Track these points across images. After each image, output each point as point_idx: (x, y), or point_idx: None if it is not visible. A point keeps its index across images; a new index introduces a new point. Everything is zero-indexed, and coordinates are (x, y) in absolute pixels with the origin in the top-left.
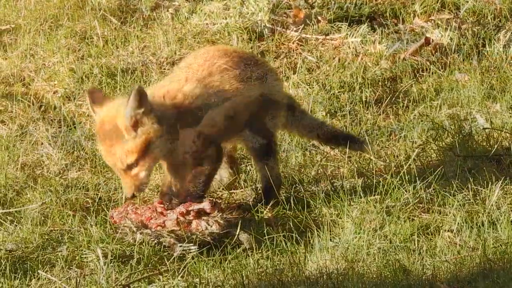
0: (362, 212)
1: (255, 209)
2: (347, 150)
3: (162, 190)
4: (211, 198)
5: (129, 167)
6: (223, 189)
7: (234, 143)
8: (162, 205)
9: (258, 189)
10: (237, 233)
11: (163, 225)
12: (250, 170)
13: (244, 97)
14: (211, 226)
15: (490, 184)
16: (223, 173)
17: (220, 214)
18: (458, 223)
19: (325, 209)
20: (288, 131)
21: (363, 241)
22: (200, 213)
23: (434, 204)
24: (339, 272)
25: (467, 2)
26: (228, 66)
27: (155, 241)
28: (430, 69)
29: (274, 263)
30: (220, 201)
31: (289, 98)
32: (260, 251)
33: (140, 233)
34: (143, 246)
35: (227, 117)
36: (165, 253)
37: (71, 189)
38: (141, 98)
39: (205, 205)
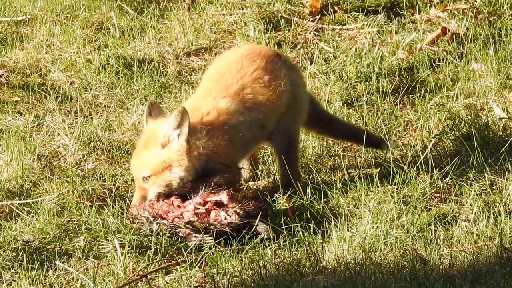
0: (379, 202)
1: (272, 199)
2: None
3: None
4: (229, 190)
5: (143, 178)
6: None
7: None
8: (179, 199)
9: (276, 179)
10: (255, 224)
11: (180, 216)
12: (268, 160)
13: (275, 106)
14: (230, 217)
15: (507, 174)
16: (244, 173)
17: (239, 205)
18: (475, 212)
19: (342, 199)
20: (307, 129)
21: (380, 231)
22: (217, 205)
23: (451, 194)
24: (357, 262)
25: None
26: (259, 74)
27: (172, 231)
28: (446, 59)
29: (291, 253)
30: (238, 193)
31: (310, 95)
32: (277, 241)
33: (157, 223)
34: (160, 236)
35: (259, 126)
36: (182, 244)
37: (88, 180)
38: (182, 120)
39: (223, 196)
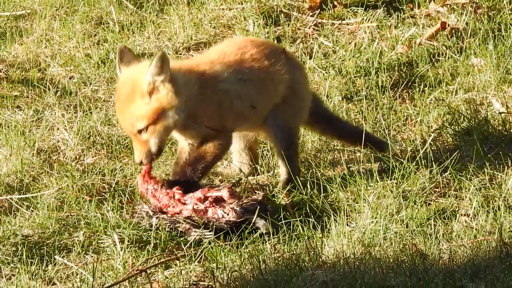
0: (378, 197)
1: (272, 194)
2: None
3: (176, 170)
4: (229, 187)
5: (139, 131)
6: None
7: (256, 135)
8: (180, 192)
9: (276, 174)
10: (253, 219)
11: (179, 213)
12: (267, 154)
13: (269, 91)
14: (228, 214)
15: (506, 169)
16: (244, 168)
17: (237, 201)
18: (474, 207)
19: (342, 194)
20: (310, 128)
21: (380, 226)
22: (217, 200)
23: (450, 189)
24: (356, 256)
25: None
26: (259, 57)
27: (171, 226)
28: (446, 53)
29: (291, 248)
30: (237, 187)
31: (313, 95)
32: (277, 236)
33: (156, 218)
34: (159, 231)
35: (249, 104)
36: (181, 238)
37: (87, 175)
38: (163, 64)
39: (224, 193)
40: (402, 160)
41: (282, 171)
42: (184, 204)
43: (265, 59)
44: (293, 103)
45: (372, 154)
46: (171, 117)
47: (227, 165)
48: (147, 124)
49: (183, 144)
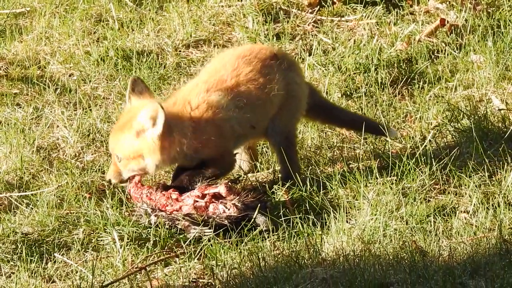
0: (378, 194)
1: (272, 191)
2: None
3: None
4: (227, 183)
5: (117, 157)
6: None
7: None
8: (177, 192)
9: (276, 172)
10: (254, 216)
11: (179, 210)
12: (267, 152)
13: (266, 108)
14: (229, 210)
15: (506, 165)
16: (244, 165)
17: (238, 197)
18: (474, 204)
19: (341, 191)
20: (310, 120)
21: (379, 223)
22: (216, 197)
23: (450, 185)
24: (356, 253)
25: None
26: (253, 75)
27: (170, 223)
28: (445, 50)
29: (290, 245)
30: (236, 184)
31: (309, 87)
32: (276, 233)
33: (155, 215)
34: (159, 228)
35: (249, 126)
36: (181, 236)
37: (87, 172)
38: (158, 118)
39: (221, 188)
40: (402, 156)
41: (282, 169)
42: (183, 201)
43: (260, 77)
44: (290, 106)
45: (372, 151)
46: (149, 164)
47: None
48: (123, 157)
49: None
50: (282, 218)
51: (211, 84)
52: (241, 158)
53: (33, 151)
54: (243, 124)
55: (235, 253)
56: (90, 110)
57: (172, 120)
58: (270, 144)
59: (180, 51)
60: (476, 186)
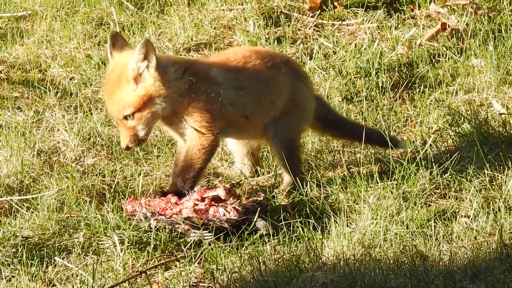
0: (378, 198)
1: (272, 195)
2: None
3: (175, 170)
4: (226, 185)
5: (125, 117)
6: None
7: (259, 144)
8: (175, 197)
9: (278, 175)
10: (254, 220)
11: (179, 213)
12: (268, 156)
13: (265, 103)
14: (229, 213)
15: (506, 170)
16: (245, 170)
17: (238, 201)
18: (474, 208)
19: (342, 195)
20: (320, 134)
21: (380, 227)
22: (215, 200)
23: (450, 190)
24: (356, 258)
25: None
26: (260, 68)
27: (170, 227)
28: (446, 54)
29: (291, 249)
30: (237, 188)
31: (319, 101)
32: (277, 237)
33: (155, 220)
34: (159, 232)
35: (242, 113)
36: (181, 240)
37: (87, 176)
38: (147, 51)
39: (220, 191)
40: (402, 161)
41: (285, 178)
42: (183, 205)
43: (266, 72)
44: (294, 113)
45: (373, 156)
46: (158, 104)
47: (228, 167)
48: (134, 111)
49: (181, 143)
50: (283, 222)
51: (218, 60)
52: (243, 162)
53: (33, 154)
54: (235, 106)
55: (235, 257)
56: (91, 113)
57: (169, 63)
58: (272, 150)
59: (181, 54)
60: (476, 190)
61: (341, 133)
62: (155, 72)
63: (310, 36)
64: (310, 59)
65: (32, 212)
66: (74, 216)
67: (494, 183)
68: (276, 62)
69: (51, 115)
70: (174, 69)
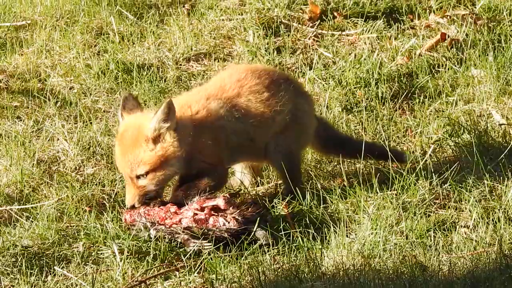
0: (378, 208)
1: (271, 205)
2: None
3: (176, 187)
4: (225, 195)
5: (138, 176)
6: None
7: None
8: (175, 206)
9: (279, 184)
10: (254, 230)
11: (178, 223)
12: (267, 166)
13: (268, 123)
14: (229, 223)
15: (506, 180)
16: (245, 180)
17: (238, 211)
18: (474, 219)
19: (342, 205)
20: (325, 155)
21: (380, 237)
22: (215, 209)
23: (450, 200)
24: (356, 268)
25: None
26: (258, 88)
27: (170, 237)
28: (446, 65)
29: (290, 259)
30: (236, 198)
31: (321, 121)
32: (276, 247)
33: (155, 229)
34: (159, 242)
35: (246, 138)
36: (181, 249)
37: (87, 185)
38: (170, 112)
39: (220, 201)
40: (402, 171)
41: (285, 190)
42: (182, 214)
43: (264, 91)
44: (294, 129)
45: (373, 166)
46: (173, 166)
47: (228, 177)
48: (148, 170)
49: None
50: (282, 232)
51: (213, 92)
52: (244, 172)
53: (33, 164)
54: (239, 134)
55: (235, 267)
56: (91, 123)
57: (181, 120)
58: (273, 166)
59: (180, 64)
60: (476, 201)
61: (346, 152)
62: (174, 132)
63: (309, 46)
64: (310, 69)
65: (32, 221)
66: (73, 226)
67: (494, 194)
68: (274, 79)
69: (51, 125)
70: (185, 126)
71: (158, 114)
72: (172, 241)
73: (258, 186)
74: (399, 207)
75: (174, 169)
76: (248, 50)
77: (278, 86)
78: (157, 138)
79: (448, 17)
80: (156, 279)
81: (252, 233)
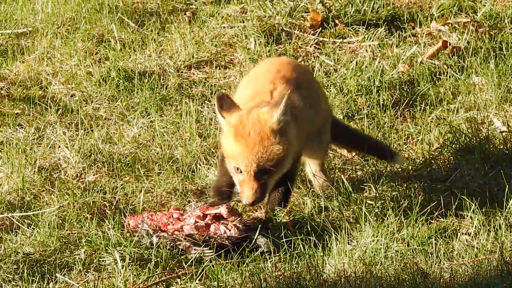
0: (379, 215)
1: (273, 213)
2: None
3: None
4: (228, 203)
5: (261, 171)
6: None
7: None
8: (178, 211)
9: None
10: (255, 237)
11: (180, 229)
12: None
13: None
14: (230, 230)
15: (507, 187)
16: None
17: (239, 218)
18: (475, 226)
19: (343, 212)
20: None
21: (381, 244)
22: (217, 218)
23: (451, 208)
24: (357, 275)
25: (484, 5)
26: (309, 78)
27: (172, 244)
28: (447, 72)
29: (292, 266)
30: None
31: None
32: (278, 255)
33: (157, 236)
34: (160, 249)
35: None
36: (182, 257)
37: (88, 193)
38: (289, 105)
39: (222, 210)
40: (404, 178)
41: (317, 182)
42: (184, 221)
43: (311, 80)
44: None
45: (376, 173)
46: (290, 160)
47: None
48: (275, 163)
49: None
50: (284, 239)
51: (291, 86)
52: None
53: (34, 171)
54: (312, 123)
55: (236, 274)
56: (92, 130)
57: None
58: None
59: (182, 72)
60: (477, 208)
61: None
62: (293, 127)
63: (311, 54)
64: None
65: (33, 228)
66: (75, 233)
67: (495, 201)
68: (303, 67)
69: (52, 132)
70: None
71: (281, 106)
72: (174, 248)
73: None
74: (401, 214)
75: (289, 164)
76: (250, 58)
77: (310, 74)
78: (281, 131)
79: (450, 24)
80: (158, 286)
81: (254, 241)
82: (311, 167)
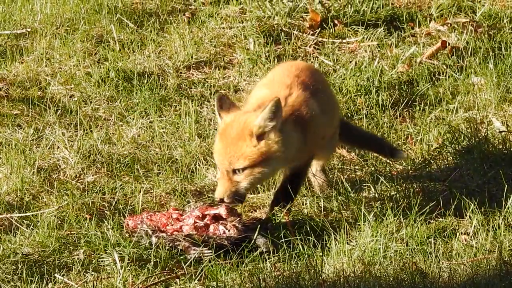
0: (378, 215)
1: (272, 212)
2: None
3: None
4: (227, 204)
5: (234, 171)
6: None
7: None
8: (177, 212)
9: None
10: (254, 237)
11: (179, 230)
12: None
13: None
14: (229, 231)
15: (506, 187)
16: None
17: (238, 219)
18: (474, 226)
19: (342, 212)
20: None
21: (380, 244)
22: (216, 218)
23: (450, 207)
24: (356, 275)
25: (483, 5)
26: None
27: (171, 245)
28: (446, 72)
29: (291, 266)
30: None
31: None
32: (277, 255)
33: (156, 237)
34: (159, 249)
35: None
36: (181, 257)
37: (87, 193)
38: (276, 111)
39: (221, 210)
40: (403, 178)
41: (318, 181)
42: (183, 221)
43: (327, 86)
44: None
45: (375, 173)
46: (271, 166)
47: None
48: (247, 165)
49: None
50: (283, 239)
51: (308, 93)
52: None
53: (33, 172)
54: (327, 129)
55: (235, 274)
56: (91, 131)
57: (287, 121)
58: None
59: (181, 72)
60: (476, 208)
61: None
62: (279, 133)
63: (310, 54)
64: None
65: (32, 229)
66: (74, 233)
67: (494, 201)
68: (320, 73)
69: (51, 133)
70: (290, 127)
71: (265, 111)
72: (173, 248)
73: (258, 193)
74: (400, 214)
75: (271, 170)
76: (249, 58)
77: (322, 76)
78: (262, 135)
79: (449, 24)
80: (157, 286)
81: (253, 241)
82: (311, 167)
